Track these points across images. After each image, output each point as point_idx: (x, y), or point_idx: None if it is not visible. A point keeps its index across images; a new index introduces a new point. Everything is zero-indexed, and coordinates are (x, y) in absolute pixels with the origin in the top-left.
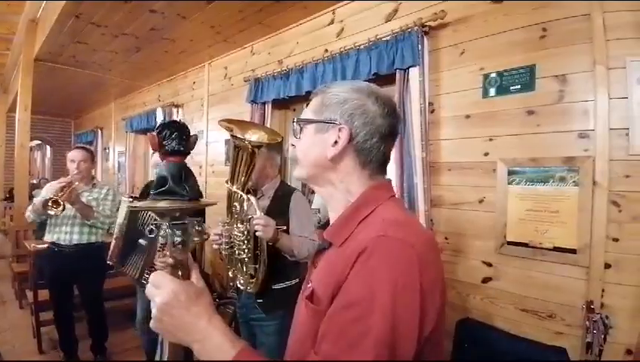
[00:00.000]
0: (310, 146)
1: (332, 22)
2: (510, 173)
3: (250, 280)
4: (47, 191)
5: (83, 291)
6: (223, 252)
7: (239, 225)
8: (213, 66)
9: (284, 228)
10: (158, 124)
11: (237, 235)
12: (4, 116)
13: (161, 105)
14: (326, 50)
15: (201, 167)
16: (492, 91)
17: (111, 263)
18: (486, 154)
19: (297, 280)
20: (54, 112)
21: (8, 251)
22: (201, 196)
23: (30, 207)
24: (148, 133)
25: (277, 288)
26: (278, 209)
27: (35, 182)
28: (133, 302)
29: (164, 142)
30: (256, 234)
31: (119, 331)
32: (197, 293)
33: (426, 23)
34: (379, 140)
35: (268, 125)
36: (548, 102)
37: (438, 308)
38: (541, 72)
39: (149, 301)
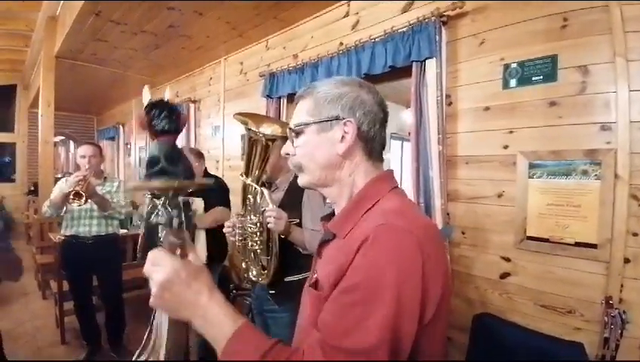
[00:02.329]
0: (315, 148)
1: (347, 14)
2: (531, 166)
3: (262, 272)
4: (62, 186)
5: (102, 281)
6: (237, 243)
7: (252, 216)
8: (229, 62)
9: (297, 221)
10: (145, 104)
11: (250, 227)
12: (26, 112)
13: (148, 84)
14: (341, 44)
15: (218, 162)
16: (513, 82)
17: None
18: (505, 147)
19: (309, 273)
20: (77, 109)
21: None
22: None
23: (47, 203)
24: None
25: (289, 280)
26: (292, 202)
27: (59, 176)
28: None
29: (152, 122)
30: (268, 226)
31: (137, 321)
32: (196, 270)
33: (444, 13)
34: (379, 128)
35: (283, 120)
36: (570, 94)
37: (440, 294)
38: (563, 63)
39: None
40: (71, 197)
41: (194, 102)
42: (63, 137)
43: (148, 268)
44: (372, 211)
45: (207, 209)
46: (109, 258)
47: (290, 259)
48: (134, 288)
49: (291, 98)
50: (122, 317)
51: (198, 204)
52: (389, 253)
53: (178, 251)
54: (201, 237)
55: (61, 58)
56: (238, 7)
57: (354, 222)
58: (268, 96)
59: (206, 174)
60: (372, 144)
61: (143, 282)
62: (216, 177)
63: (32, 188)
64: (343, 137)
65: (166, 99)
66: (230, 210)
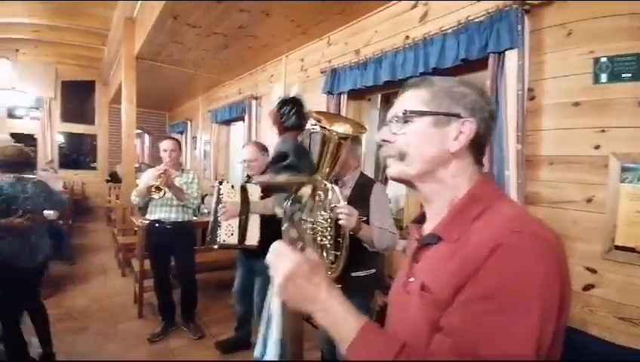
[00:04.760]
0: (426, 140)
1: (415, 5)
2: (623, 169)
3: (331, 266)
4: (147, 177)
5: (179, 262)
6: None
7: (322, 212)
8: (290, 59)
9: (365, 218)
10: (279, 100)
11: (320, 222)
12: (107, 107)
13: (215, 82)
14: (407, 37)
15: None
16: (603, 77)
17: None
18: (597, 147)
19: (375, 270)
20: (152, 105)
21: None
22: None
23: (135, 192)
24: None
25: (355, 276)
26: (359, 199)
27: (136, 166)
28: (220, 274)
29: (282, 118)
30: (340, 222)
31: (205, 300)
32: (316, 265)
33: (528, 1)
34: (489, 136)
35: (350, 118)
36: None
37: (569, 302)
38: None
39: (247, 273)
40: (152, 189)
41: (256, 98)
42: (139, 131)
43: (271, 260)
44: (488, 215)
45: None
46: (184, 242)
47: (357, 255)
48: (203, 271)
49: (352, 94)
50: (195, 295)
51: (253, 189)
52: (530, 261)
53: (299, 245)
54: (255, 222)
55: (141, 59)
56: (305, 4)
57: (465, 225)
58: (329, 92)
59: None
60: (481, 149)
61: (211, 265)
62: None
63: (109, 178)
64: (457, 136)
65: (296, 96)
66: None
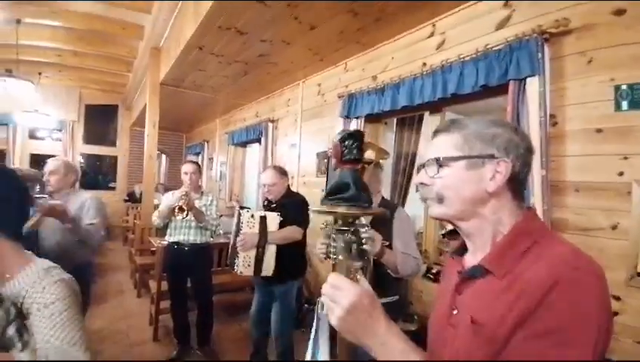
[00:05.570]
0: (462, 183)
1: (432, 34)
2: None
3: None
4: (169, 200)
5: (196, 284)
6: (331, 262)
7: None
8: (307, 84)
9: (388, 243)
10: (341, 134)
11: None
12: (128, 130)
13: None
14: (424, 64)
15: (292, 178)
16: (625, 105)
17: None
18: (620, 174)
19: (397, 296)
20: (170, 127)
21: None
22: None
23: (156, 213)
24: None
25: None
26: (382, 224)
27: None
28: (232, 296)
29: (344, 151)
30: (364, 247)
31: (220, 324)
32: (374, 298)
33: (547, 30)
34: (527, 170)
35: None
36: None
37: (611, 333)
38: None
39: (264, 298)
40: (176, 211)
41: (272, 121)
42: (157, 152)
43: (329, 291)
44: (536, 250)
45: (284, 224)
46: (202, 263)
47: (379, 281)
48: (217, 292)
49: (368, 117)
50: (211, 317)
51: (272, 218)
52: (588, 296)
53: (358, 276)
54: (272, 253)
55: (165, 85)
56: (324, 34)
57: (513, 260)
58: (346, 116)
59: (289, 191)
60: (521, 187)
61: (227, 287)
62: (298, 195)
63: (127, 198)
64: (493, 176)
65: (357, 128)
66: (306, 227)
